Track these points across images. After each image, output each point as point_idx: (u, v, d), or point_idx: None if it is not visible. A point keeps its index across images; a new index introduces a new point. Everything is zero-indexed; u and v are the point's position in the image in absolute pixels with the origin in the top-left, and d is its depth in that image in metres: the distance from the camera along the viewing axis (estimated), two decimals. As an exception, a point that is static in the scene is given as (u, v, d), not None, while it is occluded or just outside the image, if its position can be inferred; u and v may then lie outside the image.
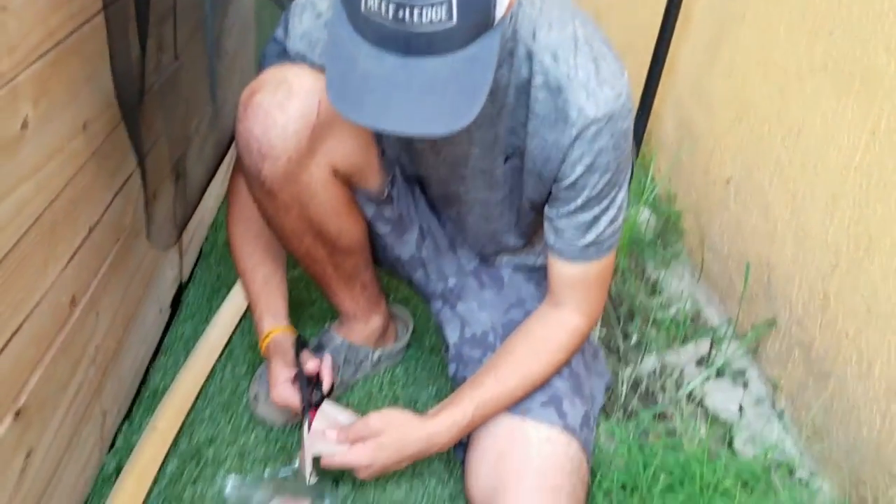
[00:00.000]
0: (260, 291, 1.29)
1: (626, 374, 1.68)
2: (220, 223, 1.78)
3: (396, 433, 1.11)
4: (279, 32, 1.17)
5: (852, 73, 1.42)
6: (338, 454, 1.10)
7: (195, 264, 1.65)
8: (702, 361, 1.74)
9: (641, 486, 1.24)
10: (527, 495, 1.10)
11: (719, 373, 1.69)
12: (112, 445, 1.22)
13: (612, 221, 1.15)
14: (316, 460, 1.13)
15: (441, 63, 0.84)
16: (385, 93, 0.85)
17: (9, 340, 0.81)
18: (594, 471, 1.27)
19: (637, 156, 2.30)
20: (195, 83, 1.38)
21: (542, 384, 1.19)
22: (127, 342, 1.25)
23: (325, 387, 1.20)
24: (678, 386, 1.66)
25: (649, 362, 1.73)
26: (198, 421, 1.29)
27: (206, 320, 1.49)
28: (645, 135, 2.35)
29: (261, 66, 1.18)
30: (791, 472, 1.44)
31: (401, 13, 0.80)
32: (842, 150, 1.44)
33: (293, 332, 1.28)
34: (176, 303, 1.54)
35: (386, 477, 1.24)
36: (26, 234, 0.82)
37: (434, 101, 0.85)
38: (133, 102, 1.03)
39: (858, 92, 1.40)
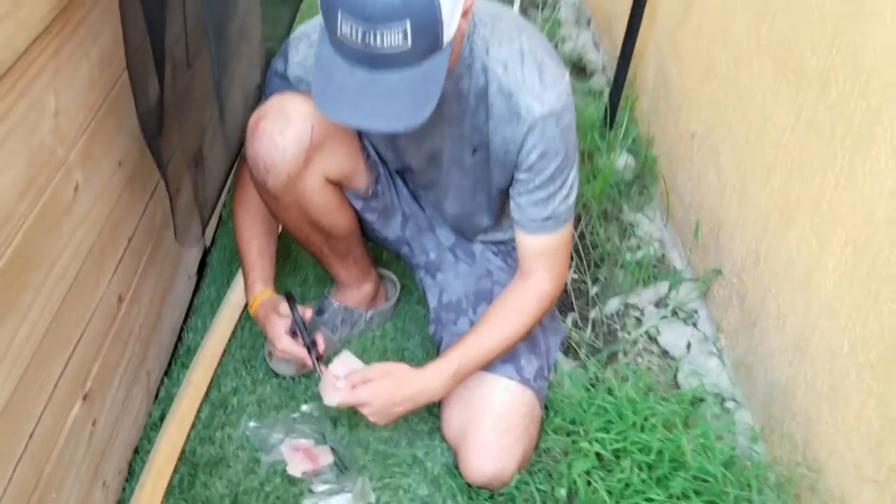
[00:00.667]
0: (255, 260, 1.53)
1: (592, 315, 1.93)
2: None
3: (392, 378, 1.37)
4: (279, 64, 1.42)
5: (785, 59, 1.59)
6: (345, 393, 1.34)
7: (216, 230, 1.92)
8: (660, 303, 1.98)
9: (586, 424, 1.52)
10: (487, 432, 1.39)
11: (674, 313, 1.94)
12: (156, 397, 1.53)
13: (565, 198, 1.38)
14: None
15: (400, 76, 1.08)
16: (356, 98, 1.10)
17: (76, 345, 1.09)
18: (548, 411, 1.56)
19: (619, 99, 2.47)
20: (205, 84, 1.60)
21: (518, 340, 1.43)
22: (164, 312, 1.53)
23: (321, 350, 1.44)
24: (637, 325, 1.92)
25: (613, 304, 1.98)
26: (224, 374, 1.58)
27: (228, 283, 1.77)
28: (627, 77, 2.51)
29: (264, 92, 1.42)
30: (722, 402, 1.71)
31: (367, 38, 1.04)
32: (776, 128, 1.62)
33: (277, 293, 1.51)
34: (202, 267, 1.82)
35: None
36: (83, 265, 1.09)
37: (394, 105, 1.10)
38: (155, 131, 1.27)
39: (789, 79, 1.57)
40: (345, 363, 1.41)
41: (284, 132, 1.32)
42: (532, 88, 1.27)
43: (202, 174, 1.62)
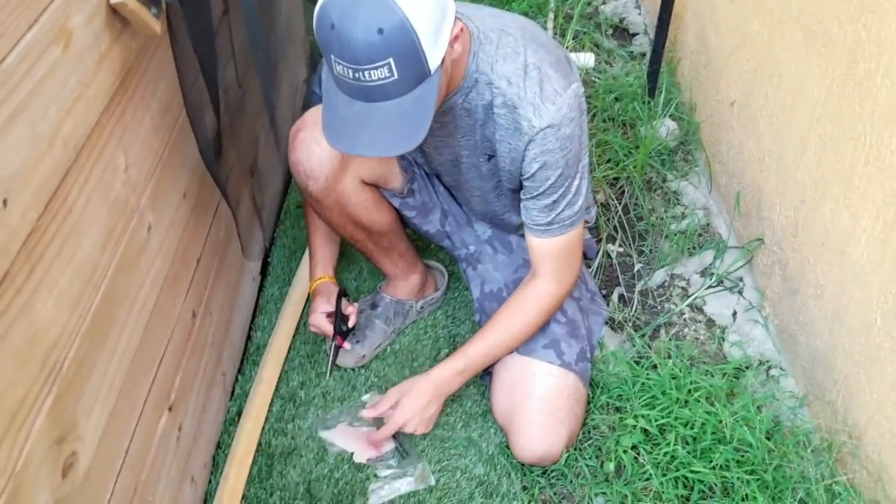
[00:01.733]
0: (319, 247, 1.72)
1: (638, 288, 2.00)
2: (292, 188, 2.16)
3: (409, 394, 1.50)
4: (315, 86, 1.56)
5: (815, 31, 1.60)
6: (382, 429, 1.50)
7: (275, 230, 2.04)
8: (705, 272, 2.03)
9: (632, 400, 1.60)
10: (533, 414, 1.50)
11: (719, 282, 1.99)
12: (232, 395, 1.67)
13: (569, 204, 1.45)
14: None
15: (392, 105, 1.19)
16: (356, 128, 1.21)
17: (159, 364, 1.23)
18: (594, 389, 1.65)
19: (660, 65, 2.48)
20: (256, 96, 1.71)
21: (525, 337, 1.53)
22: (233, 316, 1.67)
23: (351, 323, 1.65)
24: (683, 296, 1.98)
25: (659, 276, 2.04)
26: (291, 370, 1.72)
27: (289, 281, 1.90)
28: (669, 40, 2.52)
29: (305, 109, 1.53)
30: (768, 370, 1.77)
31: (357, 75, 1.15)
32: (809, 100, 1.64)
33: (336, 282, 1.70)
34: (264, 266, 1.95)
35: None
36: (160, 293, 1.22)
37: (389, 132, 1.20)
38: (214, 158, 1.38)
39: (820, 51, 1.59)
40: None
41: (320, 140, 1.44)
42: (532, 102, 1.35)
43: (259, 184, 1.74)
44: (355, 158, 1.49)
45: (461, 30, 1.24)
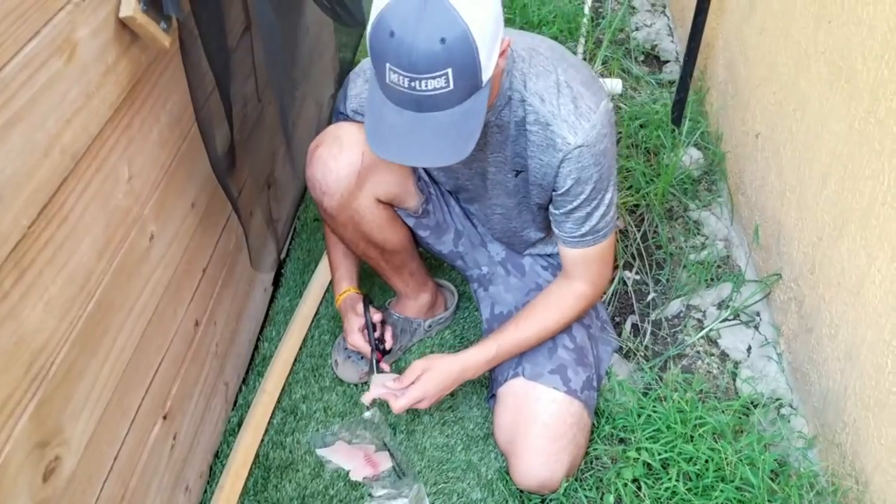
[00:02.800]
0: (341, 260, 1.72)
1: (653, 317, 1.97)
2: (309, 200, 2.17)
3: (436, 369, 1.49)
4: (340, 105, 1.56)
5: (840, 67, 1.58)
6: (400, 398, 1.46)
7: (290, 241, 2.06)
8: (722, 304, 2.00)
9: (636, 432, 1.58)
10: (535, 440, 1.48)
11: (736, 315, 1.96)
12: (235, 404, 1.68)
13: (603, 216, 1.46)
14: (378, 403, 1.54)
15: (444, 115, 1.19)
16: (406, 138, 1.21)
17: (155, 372, 1.24)
18: (599, 419, 1.62)
19: (687, 93, 2.46)
20: (276, 111, 1.73)
21: (555, 333, 1.55)
22: (240, 326, 1.68)
23: (388, 345, 1.63)
24: (698, 327, 1.95)
25: (675, 306, 2.01)
26: (294, 382, 1.72)
27: (300, 294, 1.91)
28: (699, 69, 2.50)
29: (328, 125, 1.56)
30: (779, 408, 1.73)
31: (413, 84, 1.15)
32: (831, 136, 1.61)
33: (360, 293, 1.69)
34: (277, 277, 1.96)
35: (432, 423, 1.64)
36: (160, 301, 1.23)
37: (440, 142, 1.20)
38: (225, 171, 1.40)
39: (843, 87, 1.57)
40: (378, 381, 1.53)
41: (338, 158, 1.46)
42: (567, 119, 1.36)
43: (275, 196, 1.76)
44: (372, 177, 1.49)
45: (507, 43, 1.25)
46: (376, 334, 1.63)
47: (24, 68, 0.83)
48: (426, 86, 1.14)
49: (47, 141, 0.88)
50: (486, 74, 1.18)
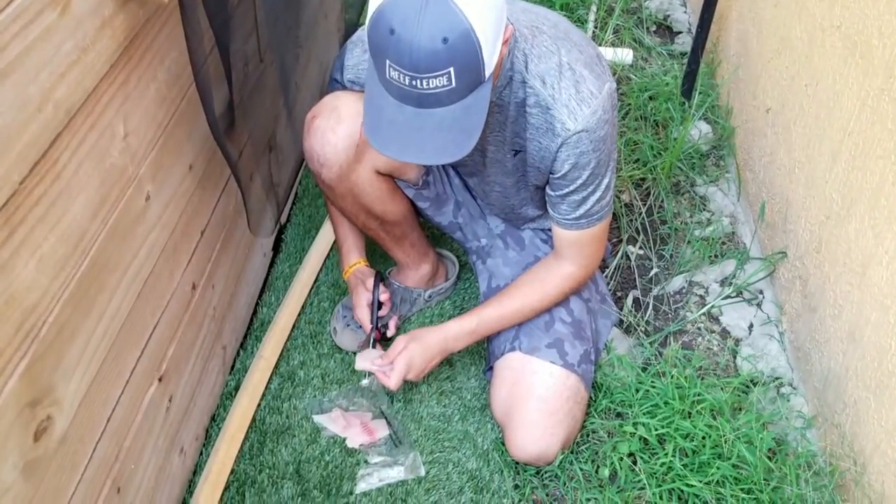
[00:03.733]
0: (348, 233, 1.70)
1: (654, 292, 1.95)
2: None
3: (420, 340, 1.50)
4: (336, 72, 1.52)
5: (856, 41, 1.54)
6: (390, 375, 1.47)
7: (291, 207, 2.04)
8: (725, 281, 1.98)
9: (633, 407, 1.57)
10: (531, 413, 1.47)
11: (738, 292, 1.94)
12: (232, 369, 1.67)
13: (598, 200, 1.43)
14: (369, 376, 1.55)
15: (445, 112, 1.16)
16: (406, 134, 1.17)
17: (151, 333, 1.23)
18: (597, 392, 1.61)
19: (698, 65, 2.42)
20: (278, 73, 1.70)
21: (539, 311, 1.53)
22: (238, 290, 1.67)
23: (390, 333, 1.64)
24: (700, 304, 1.93)
25: (677, 281, 1.99)
26: (293, 348, 1.71)
27: (300, 260, 1.89)
28: (712, 41, 2.45)
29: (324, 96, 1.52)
30: (779, 387, 1.72)
31: (413, 82, 1.12)
32: (843, 113, 1.58)
33: (369, 266, 1.68)
34: (277, 242, 1.95)
35: (429, 392, 1.64)
36: (156, 263, 1.21)
37: (441, 138, 1.17)
38: (223, 132, 1.38)
39: (858, 62, 1.53)
40: (367, 356, 1.54)
41: (336, 129, 1.43)
42: (567, 104, 1.32)
43: (276, 160, 1.73)
44: (371, 149, 1.45)
45: (510, 31, 1.21)
46: (381, 312, 1.62)
47: (17, 19, 0.81)
48: (427, 84, 1.11)
49: (40, 95, 0.86)
50: (489, 69, 1.15)
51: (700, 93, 2.36)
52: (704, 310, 1.89)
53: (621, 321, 1.81)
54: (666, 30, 2.90)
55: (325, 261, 1.89)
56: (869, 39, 1.48)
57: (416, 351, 1.49)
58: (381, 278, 1.65)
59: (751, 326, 1.87)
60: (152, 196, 1.17)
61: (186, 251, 1.34)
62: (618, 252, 2.01)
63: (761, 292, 1.93)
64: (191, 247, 1.36)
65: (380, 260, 1.83)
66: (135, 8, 1.08)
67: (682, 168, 2.24)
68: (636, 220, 2.11)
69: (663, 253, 2.04)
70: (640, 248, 2.07)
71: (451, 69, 1.09)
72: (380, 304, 1.63)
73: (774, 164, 1.94)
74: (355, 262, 1.69)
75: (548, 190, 1.46)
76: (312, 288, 1.82)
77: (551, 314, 1.55)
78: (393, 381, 1.47)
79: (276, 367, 1.66)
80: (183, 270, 1.33)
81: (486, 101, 1.17)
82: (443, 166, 1.64)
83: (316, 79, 2.11)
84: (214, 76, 1.31)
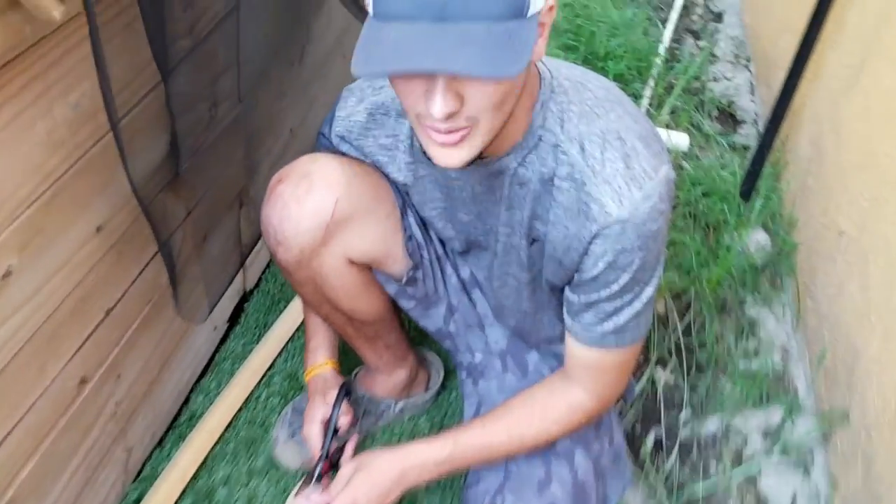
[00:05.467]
0: (319, 324, 1.37)
1: (682, 434, 1.61)
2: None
3: (370, 469, 1.16)
4: (325, 126, 1.21)
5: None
6: None
7: (262, 272, 1.73)
8: (769, 432, 1.64)
9: None
10: None
11: (784, 451, 1.59)
12: (139, 475, 1.36)
13: (636, 316, 1.08)
14: None
15: (478, 26, 0.79)
16: (414, 46, 0.79)
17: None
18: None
19: (763, 165, 2.10)
20: (265, 121, 1.42)
21: (536, 447, 1.18)
22: (164, 376, 1.36)
23: (344, 459, 1.29)
24: (736, 457, 1.58)
25: (712, 424, 1.65)
26: (220, 456, 1.39)
27: (258, 338, 1.58)
28: (780, 139, 2.14)
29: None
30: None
31: None
32: (946, 258, 1.25)
33: (338, 372, 1.36)
34: (237, 312, 1.64)
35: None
36: (15, 356, 0.91)
37: (472, 50, 0.79)
38: (152, 197, 1.09)
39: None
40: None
41: (303, 201, 1.11)
42: (611, 181, 0.98)
43: (248, 217, 1.44)
44: (345, 232, 1.15)
45: (552, 10, 0.88)
46: (333, 444, 1.28)
47: None
48: None
49: None
50: (533, 5, 0.82)
51: (762, 196, 2.04)
52: (741, 469, 1.55)
53: (624, 489, 1.45)
54: (729, 117, 2.60)
55: (287, 343, 1.57)
56: None
57: (363, 484, 1.15)
58: (347, 392, 1.32)
59: (794, 498, 1.52)
60: (16, 271, 0.87)
61: (75, 336, 1.04)
62: (644, 374, 1.68)
63: (811, 454, 1.58)
64: (84, 329, 1.06)
65: (351, 355, 1.51)
66: (17, 22, 0.79)
67: (732, 283, 1.91)
68: (669, 337, 1.78)
69: (697, 384, 1.70)
70: (671, 372, 1.74)
71: None
72: (335, 431, 1.29)
73: (843, 298, 1.60)
74: (322, 362, 1.36)
75: (568, 293, 1.11)
76: (264, 377, 1.51)
77: (549, 471, 1.19)
78: None
79: (195, 478, 1.33)
80: (65, 362, 1.02)
81: (530, 46, 0.81)
82: (438, 259, 1.31)
83: (320, 125, 1.83)
84: (155, 118, 1.03)
